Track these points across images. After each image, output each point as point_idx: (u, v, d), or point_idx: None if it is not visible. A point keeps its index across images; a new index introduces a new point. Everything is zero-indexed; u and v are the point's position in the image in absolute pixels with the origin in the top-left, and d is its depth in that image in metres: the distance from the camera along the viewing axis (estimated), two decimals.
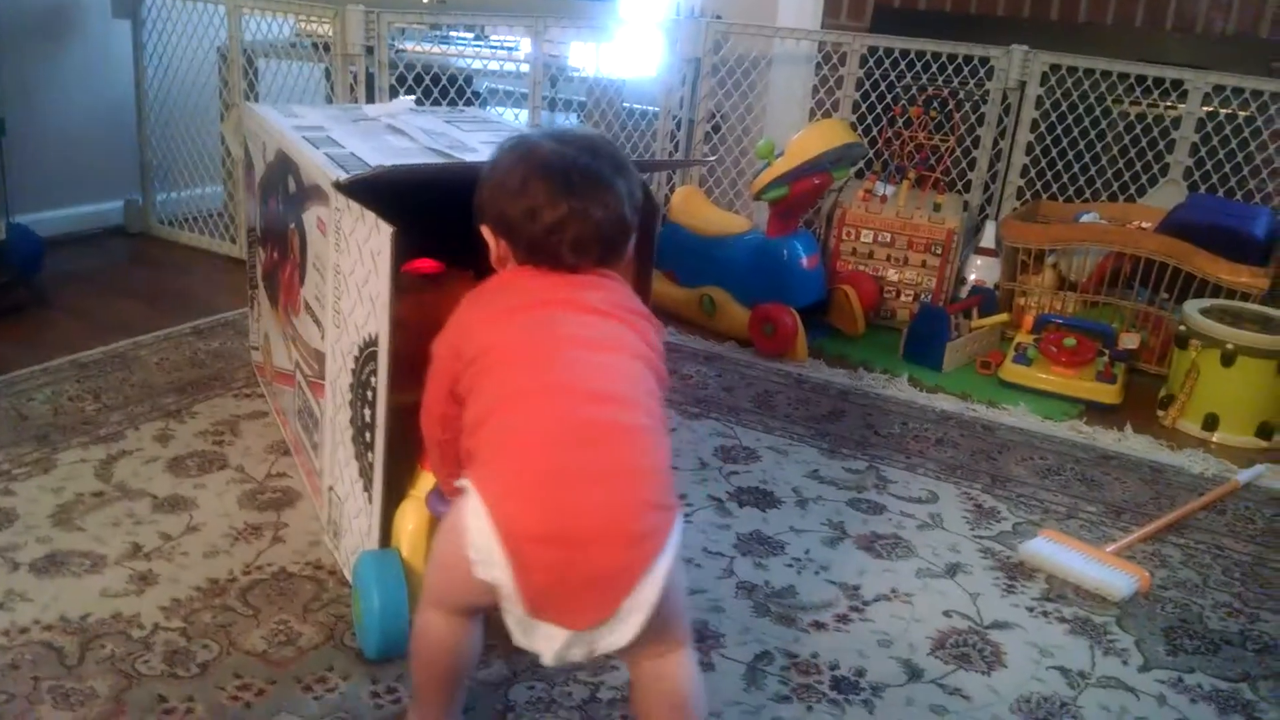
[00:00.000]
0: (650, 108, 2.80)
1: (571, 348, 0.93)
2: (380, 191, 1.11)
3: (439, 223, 1.18)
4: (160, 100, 2.64)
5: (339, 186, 1.17)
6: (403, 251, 1.07)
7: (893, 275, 2.41)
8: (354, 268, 1.16)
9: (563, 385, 0.91)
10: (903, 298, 2.42)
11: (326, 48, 2.35)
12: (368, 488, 1.17)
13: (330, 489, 1.31)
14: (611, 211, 0.98)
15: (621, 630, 0.85)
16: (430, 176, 1.28)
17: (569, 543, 0.84)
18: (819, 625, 1.26)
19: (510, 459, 0.88)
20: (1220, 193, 2.39)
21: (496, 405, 0.91)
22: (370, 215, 1.09)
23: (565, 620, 0.84)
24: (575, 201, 0.96)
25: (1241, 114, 2.34)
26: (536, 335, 0.94)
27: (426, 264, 1.34)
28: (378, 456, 1.13)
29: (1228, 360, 1.88)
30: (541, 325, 0.95)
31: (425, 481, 1.15)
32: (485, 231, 1.02)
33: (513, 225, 0.98)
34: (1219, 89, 2.30)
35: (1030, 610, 1.33)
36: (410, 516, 1.15)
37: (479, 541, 0.85)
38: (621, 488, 0.87)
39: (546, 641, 0.86)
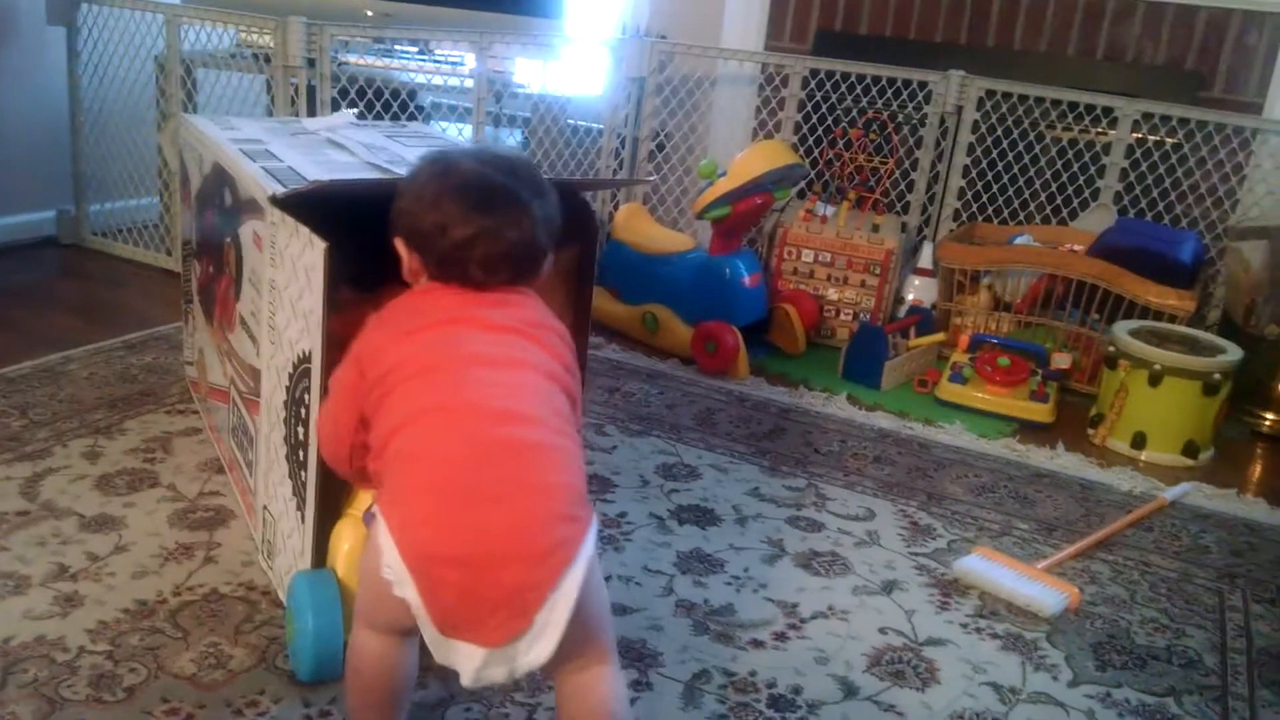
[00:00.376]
0: (595, 125, 2.81)
1: (475, 366, 0.93)
2: (318, 206, 1.10)
3: (377, 238, 1.18)
4: (95, 109, 2.59)
5: (275, 201, 1.16)
6: (338, 267, 1.06)
7: (833, 294, 2.44)
8: (288, 283, 1.14)
9: (467, 405, 0.91)
10: (842, 317, 2.45)
11: (267, 59, 2.32)
12: (301, 507, 1.16)
13: (265, 508, 1.29)
14: (524, 233, 0.98)
15: (539, 646, 0.85)
16: (368, 191, 1.27)
17: (475, 563, 0.84)
18: (757, 643, 1.27)
19: (415, 482, 0.88)
20: (1149, 217, 2.46)
21: (401, 425, 0.91)
22: (304, 230, 1.08)
23: (478, 638, 0.85)
24: (488, 221, 0.96)
25: (1169, 141, 2.42)
26: (440, 354, 0.94)
27: None
28: (310, 475, 1.12)
29: (1155, 380, 1.93)
30: (445, 343, 0.95)
31: (362, 500, 1.14)
32: (399, 244, 1.02)
33: (424, 239, 0.98)
34: (1148, 116, 2.37)
35: (964, 627, 1.35)
36: (346, 536, 1.14)
37: (391, 563, 0.85)
38: (527, 505, 0.87)
39: (465, 660, 0.86)
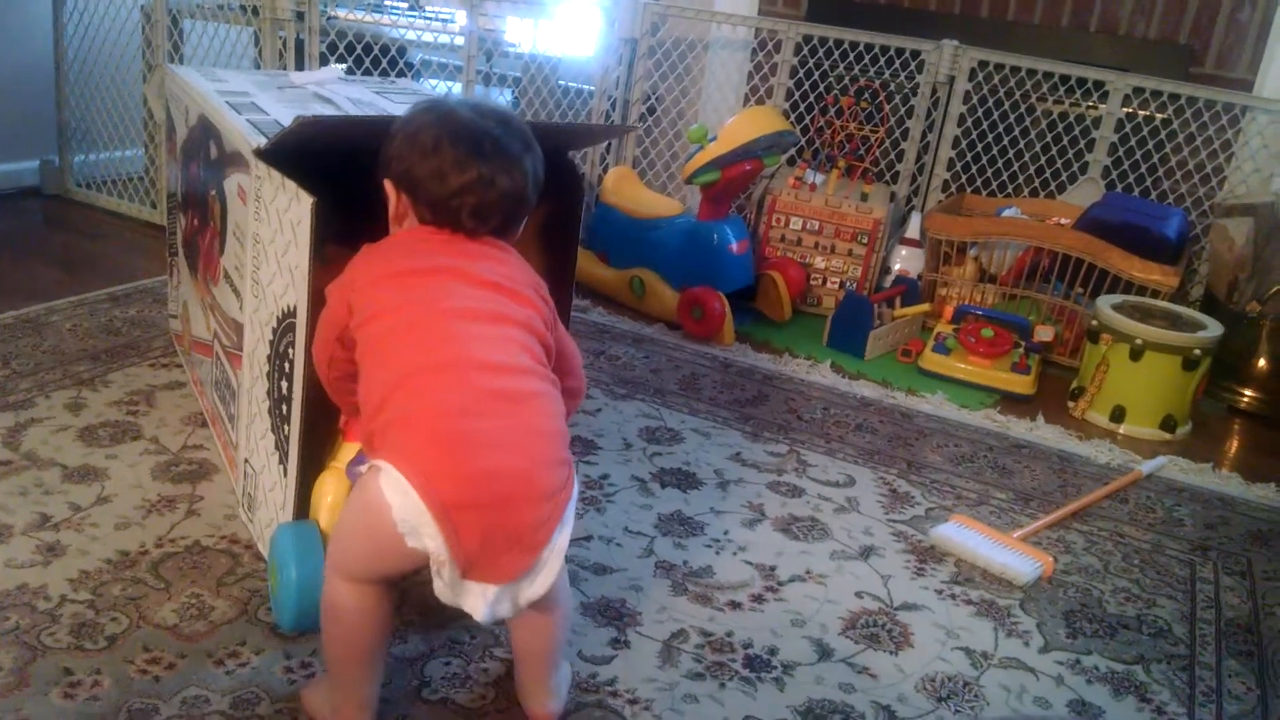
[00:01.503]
0: (586, 87, 2.80)
1: (460, 320, 0.96)
2: (302, 160, 1.10)
3: (363, 190, 1.18)
4: (80, 59, 2.56)
5: (259, 154, 1.15)
6: (324, 221, 1.06)
7: (820, 263, 2.45)
8: (274, 237, 1.14)
9: (458, 360, 0.94)
10: (829, 285, 2.45)
11: (255, 11, 2.30)
12: (284, 460, 1.16)
13: (246, 461, 1.30)
14: (516, 184, 1.01)
15: (541, 578, 0.93)
16: (351, 131, 1.26)
17: (492, 507, 0.89)
18: (735, 605, 1.29)
19: (422, 438, 0.91)
20: (1136, 192, 2.46)
21: (397, 386, 0.93)
22: (291, 184, 1.08)
23: (493, 576, 0.91)
24: (484, 169, 0.99)
25: (1159, 116, 2.42)
26: (427, 310, 0.97)
27: None
28: (294, 429, 1.12)
29: (1136, 355, 1.95)
30: (431, 297, 0.98)
31: (346, 452, 1.15)
32: (388, 185, 1.04)
33: (418, 184, 1.00)
34: (1139, 91, 2.37)
35: (939, 593, 1.37)
36: (329, 489, 1.14)
37: (406, 516, 0.88)
38: (530, 450, 0.92)
39: (479, 598, 0.91)
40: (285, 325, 1.12)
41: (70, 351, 1.76)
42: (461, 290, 0.98)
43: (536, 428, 0.94)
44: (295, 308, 1.09)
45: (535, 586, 0.92)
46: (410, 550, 0.89)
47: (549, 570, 0.92)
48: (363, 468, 0.94)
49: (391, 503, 0.88)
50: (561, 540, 0.93)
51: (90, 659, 1.06)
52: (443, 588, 0.91)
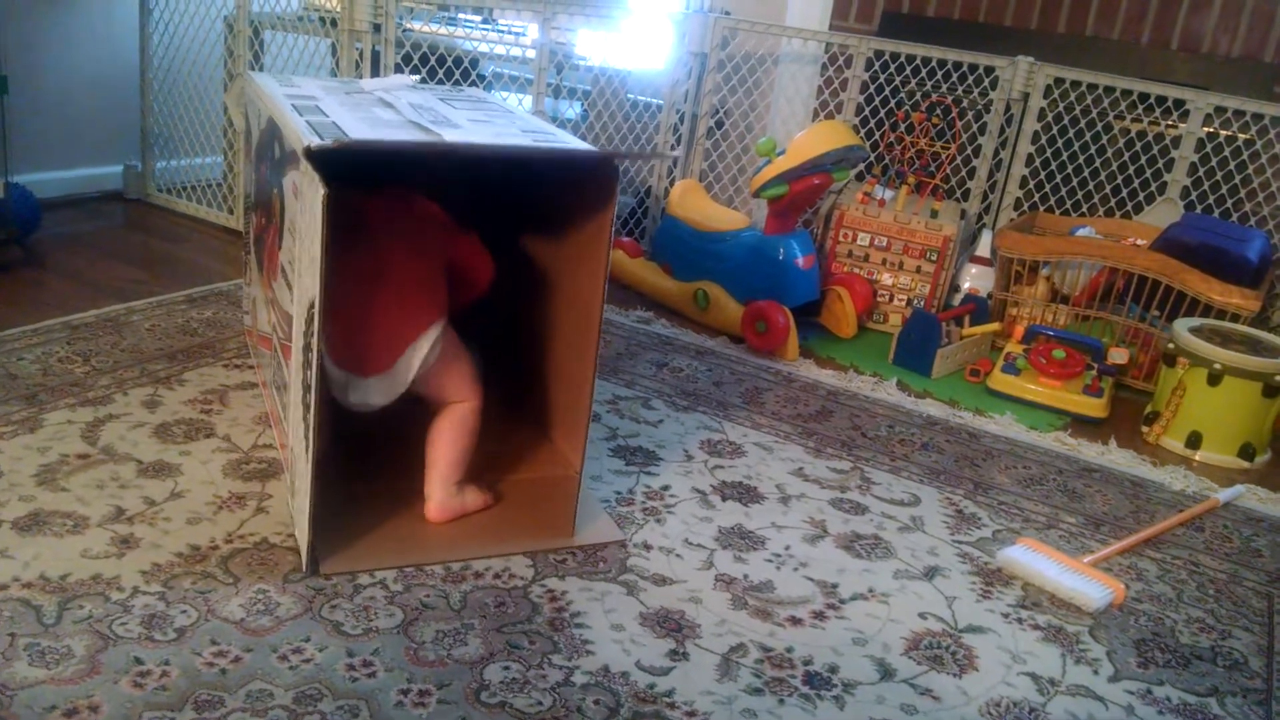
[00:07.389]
0: (654, 100, 2.81)
1: None
2: (348, 160, 1.15)
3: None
4: (164, 67, 2.64)
5: (307, 153, 1.17)
6: (338, 214, 1.12)
7: (887, 279, 2.42)
8: (306, 229, 1.17)
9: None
10: (895, 302, 2.42)
11: (334, 23, 2.34)
12: (309, 449, 1.18)
13: (289, 449, 1.33)
14: None
15: (397, 382, 1.31)
16: (397, 151, 1.36)
17: (355, 330, 1.29)
18: (795, 621, 1.27)
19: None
20: (1216, 213, 2.40)
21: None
22: (317, 177, 1.11)
23: (358, 371, 1.31)
24: None
25: (1241, 136, 2.36)
26: None
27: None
28: (312, 418, 1.17)
29: (1214, 380, 1.89)
30: None
31: None
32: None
33: None
34: (1220, 110, 2.32)
35: (1005, 616, 1.34)
36: None
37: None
38: (394, 305, 1.32)
39: (348, 383, 1.30)
40: (310, 314, 1.15)
41: (148, 350, 1.80)
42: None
43: (399, 293, 1.32)
44: (315, 299, 1.13)
45: (394, 383, 1.31)
46: None
47: (402, 379, 1.31)
48: None
49: None
50: (415, 359, 1.31)
51: (159, 649, 1.08)
52: (333, 384, 1.29)
